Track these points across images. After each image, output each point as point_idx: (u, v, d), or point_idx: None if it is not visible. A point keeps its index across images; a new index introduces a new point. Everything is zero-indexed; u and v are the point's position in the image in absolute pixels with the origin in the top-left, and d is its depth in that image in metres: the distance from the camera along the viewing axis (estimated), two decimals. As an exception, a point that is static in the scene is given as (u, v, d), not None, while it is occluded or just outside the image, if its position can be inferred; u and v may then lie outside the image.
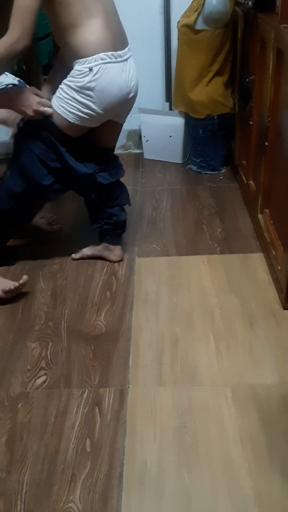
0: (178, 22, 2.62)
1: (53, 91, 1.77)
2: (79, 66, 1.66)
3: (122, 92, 1.73)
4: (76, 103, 1.70)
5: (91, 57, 1.64)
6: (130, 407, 1.38)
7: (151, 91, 2.90)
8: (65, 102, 1.71)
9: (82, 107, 1.70)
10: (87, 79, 1.66)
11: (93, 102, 1.69)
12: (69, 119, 1.73)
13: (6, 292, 1.79)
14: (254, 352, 1.55)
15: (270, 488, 1.16)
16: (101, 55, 1.65)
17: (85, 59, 1.65)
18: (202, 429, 1.31)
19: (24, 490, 1.18)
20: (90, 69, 1.65)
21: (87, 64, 1.65)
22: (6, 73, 2.38)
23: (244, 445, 1.26)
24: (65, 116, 1.72)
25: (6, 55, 1.56)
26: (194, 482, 1.18)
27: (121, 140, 3.06)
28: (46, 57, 3.93)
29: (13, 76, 2.37)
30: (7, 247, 2.09)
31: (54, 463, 1.24)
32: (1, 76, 2.34)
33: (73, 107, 1.71)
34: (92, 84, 1.66)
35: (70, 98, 1.70)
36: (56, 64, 1.92)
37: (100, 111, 1.72)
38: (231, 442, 1.27)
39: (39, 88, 1.85)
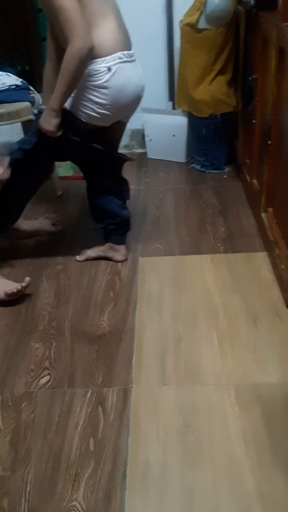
0: (181, 21, 2.62)
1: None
2: (96, 66, 1.64)
3: (136, 91, 1.74)
4: (90, 103, 1.69)
5: (109, 57, 1.63)
6: (134, 407, 1.39)
7: (154, 90, 2.90)
8: (79, 102, 1.70)
9: (96, 107, 1.69)
10: (105, 77, 1.64)
11: (107, 102, 1.68)
12: (82, 119, 1.72)
13: (8, 295, 1.79)
14: (258, 351, 1.55)
15: (273, 487, 1.16)
16: (119, 54, 1.64)
17: (102, 58, 1.63)
18: (205, 428, 1.31)
19: (28, 489, 1.19)
20: (109, 69, 1.63)
21: (105, 63, 1.63)
22: (9, 74, 2.40)
23: (247, 444, 1.26)
24: (78, 116, 1.72)
25: (79, 62, 1.56)
26: (198, 481, 1.18)
27: (125, 139, 3.05)
28: (49, 58, 3.94)
29: (16, 77, 2.39)
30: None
31: (58, 462, 1.25)
32: (4, 77, 2.36)
33: (87, 107, 1.70)
34: (109, 84, 1.65)
35: (84, 98, 1.68)
36: (49, 68, 1.88)
37: (114, 110, 1.71)
38: (234, 441, 1.27)
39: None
